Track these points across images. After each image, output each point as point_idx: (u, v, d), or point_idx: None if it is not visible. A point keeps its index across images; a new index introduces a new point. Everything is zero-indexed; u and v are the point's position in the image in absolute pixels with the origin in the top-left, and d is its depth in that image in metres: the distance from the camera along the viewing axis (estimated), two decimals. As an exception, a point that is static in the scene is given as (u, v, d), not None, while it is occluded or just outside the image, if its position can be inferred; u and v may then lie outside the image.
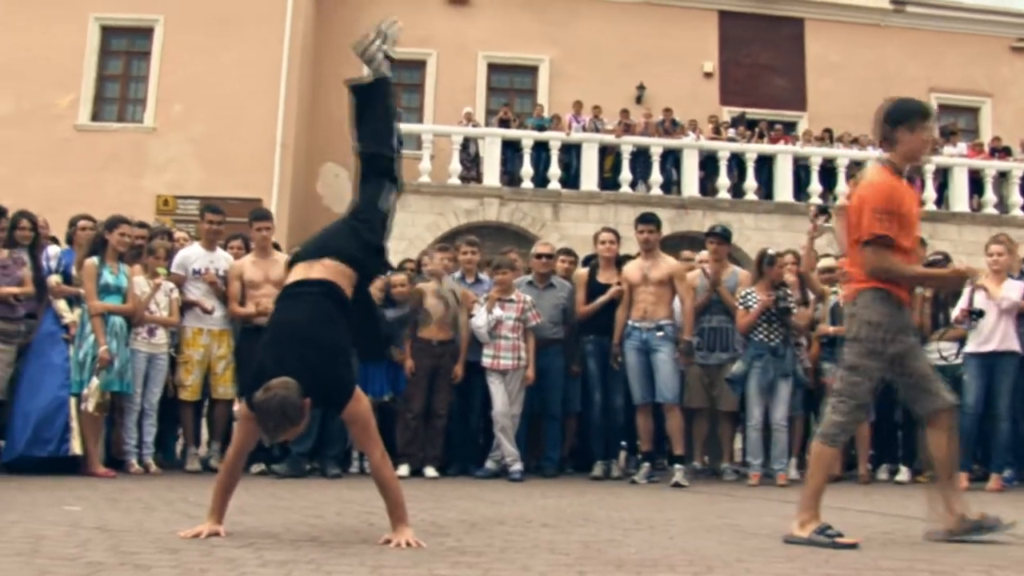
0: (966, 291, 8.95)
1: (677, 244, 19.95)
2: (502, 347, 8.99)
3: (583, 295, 9.55)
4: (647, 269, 9.06)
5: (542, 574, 4.07)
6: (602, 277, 9.55)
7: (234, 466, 5.12)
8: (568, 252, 10.50)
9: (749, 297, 9.10)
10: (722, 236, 9.80)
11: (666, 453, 9.41)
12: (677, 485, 8.44)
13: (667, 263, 9.16)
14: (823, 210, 10.19)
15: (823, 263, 10.21)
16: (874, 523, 6.25)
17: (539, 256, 9.75)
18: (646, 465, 8.99)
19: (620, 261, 9.65)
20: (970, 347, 8.91)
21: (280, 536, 4.92)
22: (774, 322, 9.01)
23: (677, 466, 8.69)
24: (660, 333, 8.88)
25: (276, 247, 10.15)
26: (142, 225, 9.76)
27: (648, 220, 9.29)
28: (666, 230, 20.01)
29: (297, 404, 4.70)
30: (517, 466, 8.83)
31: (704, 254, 10.15)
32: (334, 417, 8.58)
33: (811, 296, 9.67)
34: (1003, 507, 7.13)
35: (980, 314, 8.75)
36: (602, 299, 9.37)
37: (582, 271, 9.92)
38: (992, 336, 8.78)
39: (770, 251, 9.42)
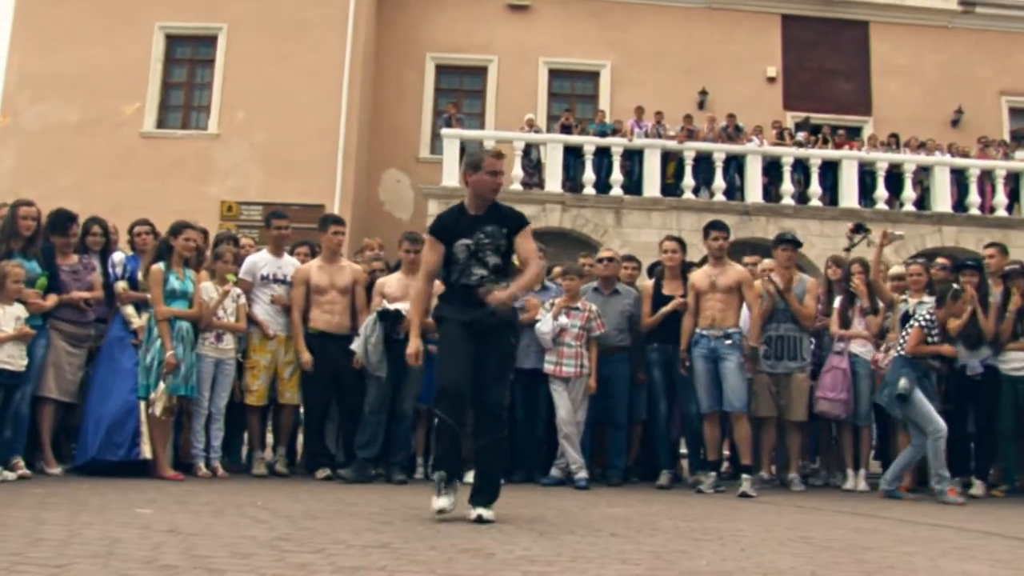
0: None
1: (741, 250, 19.77)
2: (565, 354, 8.95)
3: (648, 307, 9.49)
4: (715, 276, 8.95)
5: (616, 584, 4.04)
6: (667, 288, 9.48)
7: (425, 287, 6.53)
8: (631, 259, 10.45)
9: (933, 322, 8.86)
10: (794, 243, 9.70)
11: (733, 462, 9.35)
12: (744, 495, 8.34)
13: (735, 270, 9.05)
14: (860, 228, 10.05)
15: (893, 271, 10.06)
16: (951, 537, 6.12)
17: (601, 260, 9.73)
18: (712, 474, 8.90)
19: (685, 269, 9.57)
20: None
21: (349, 542, 4.90)
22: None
23: (744, 476, 8.59)
24: (728, 341, 8.77)
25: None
26: (202, 231, 9.83)
27: (720, 227, 9.19)
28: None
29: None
30: (582, 474, 8.78)
31: (767, 262, 10.05)
32: (398, 425, 8.71)
33: (880, 304, 9.55)
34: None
35: None
36: (664, 310, 9.33)
37: (647, 283, 9.86)
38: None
39: (956, 286, 9.21)
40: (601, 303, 9.40)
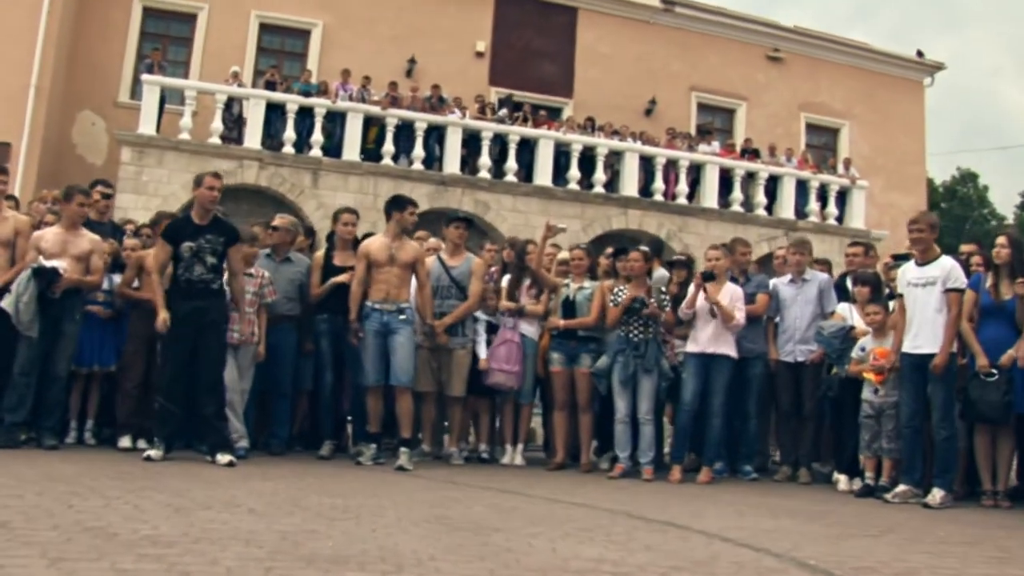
0: (691, 290, 9.41)
1: (435, 221, 20.21)
2: (236, 320, 8.78)
3: (317, 277, 9.58)
4: (395, 250, 9.05)
5: (229, 569, 4.06)
6: (338, 259, 9.59)
7: (158, 277, 8.29)
8: (309, 230, 10.57)
9: (619, 293, 9.30)
10: (467, 221, 10.03)
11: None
12: (401, 468, 8.55)
13: (413, 246, 9.26)
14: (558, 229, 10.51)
15: (560, 256, 10.49)
16: (580, 517, 6.40)
17: (276, 228, 9.74)
18: (373, 446, 9.08)
19: (356, 243, 9.67)
20: (689, 347, 9.35)
21: (-35, 520, 4.75)
22: (634, 320, 9.24)
23: (403, 449, 8.79)
24: (402, 316, 8.95)
25: (13, 199, 9.80)
26: None
27: (414, 203, 9.55)
28: (424, 206, 20.38)
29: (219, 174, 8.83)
30: (243, 443, 8.74)
31: (433, 241, 10.34)
32: (50, 387, 8.43)
33: (545, 289, 9.96)
34: (705, 501, 7.56)
35: (711, 276, 9.23)
36: (332, 282, 9.46)
37: (318, 254, 9.92)
38: (708, 338, 9.23)
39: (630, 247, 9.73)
40: (272, 270, 9.42)
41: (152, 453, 7.98)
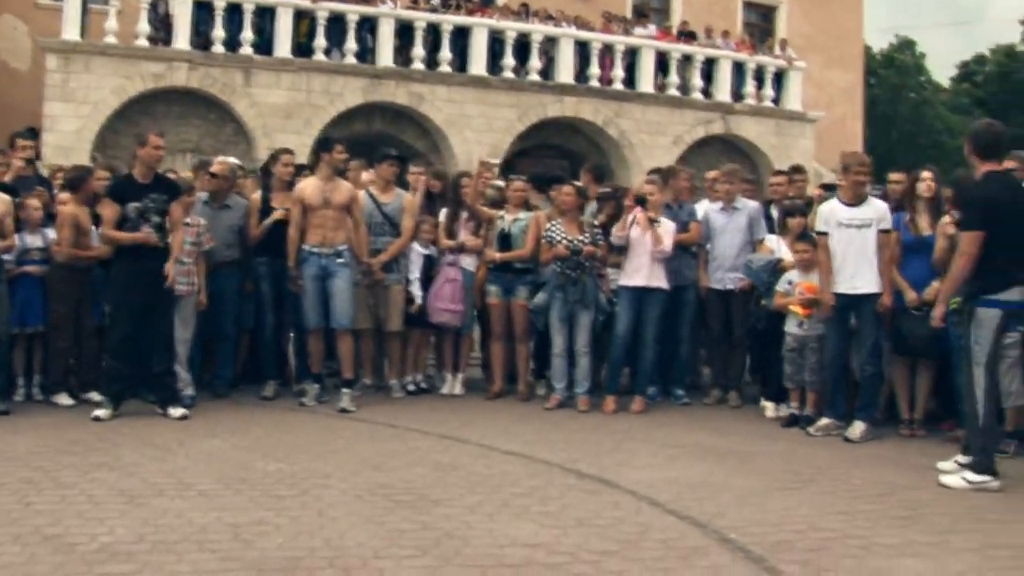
0: (626, 216, 9.53)
1: (369, 113, 20.25)
2: (178, 271, 8.84)
3: (256, 220, 9.64)
4: (328, 192, 9.11)
5: (184, 587, 4.34)
6: (276, 201, 9.62)
7: (112, 234, 8.36)
8: (242, 168, 10.57)
9: (553, 229, 9.41)
10: (403, 159, 10.07)
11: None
12: (344, 411, 8.82)
13: (346, 187, 9.30)
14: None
15: (489, 193, 10.51)
16: (518, 476, 6.58)
17: (215, 176, 9.72)
18: (316, 386, 9.31)
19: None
20: (622, 281, 9.52)
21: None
22: (571, 257, 9.36)
23: (345, 390, 9.04)
24: (340, 259, 9.08)
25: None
26: None
27: (339, 141, 9.59)
28: (358, 100, 20.34)
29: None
30: (189, 391, 8.92)
31: (369, 174, 10.39)
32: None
33: (482, 223, 10.07)
34: (637, 442, 7.79)
35: (644, 201, 9.35)
36: (267, 223, 9.55)
37: (255, 196, 9.93)
38: (641, 271, 9.38)
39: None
40: (210, 216, 9.44)
41: (100, 413, 8.17)
